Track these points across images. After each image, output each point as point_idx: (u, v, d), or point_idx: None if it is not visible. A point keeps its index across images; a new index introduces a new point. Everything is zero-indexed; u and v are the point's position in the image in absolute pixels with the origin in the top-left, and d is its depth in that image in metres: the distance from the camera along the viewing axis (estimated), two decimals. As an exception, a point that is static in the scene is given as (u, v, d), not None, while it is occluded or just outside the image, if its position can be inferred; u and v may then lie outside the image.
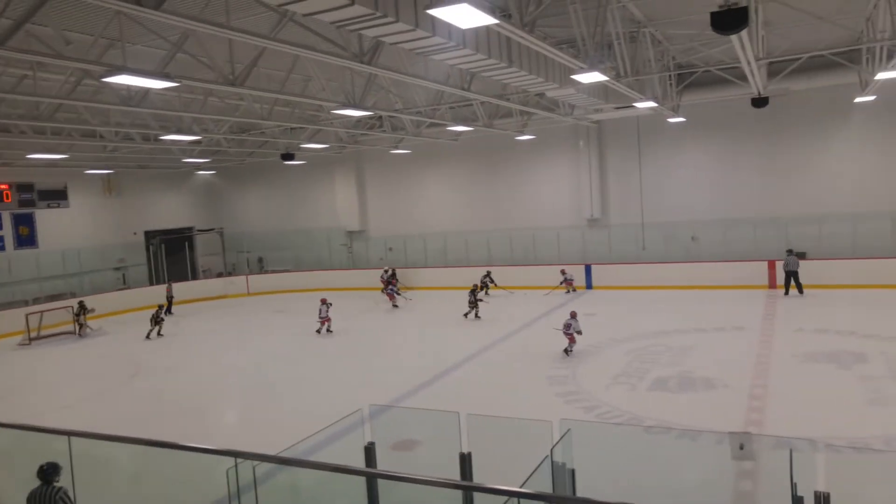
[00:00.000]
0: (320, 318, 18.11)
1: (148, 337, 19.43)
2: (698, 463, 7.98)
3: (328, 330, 18.07)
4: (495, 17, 7.19)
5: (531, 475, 3.79)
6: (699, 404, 10.60)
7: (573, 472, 4.43)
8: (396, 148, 24.80)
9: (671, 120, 20.51)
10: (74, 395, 14.00)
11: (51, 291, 24.54)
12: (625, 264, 22.84)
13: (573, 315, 14.09)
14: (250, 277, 28.72)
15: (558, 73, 13.03)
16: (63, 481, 6.22)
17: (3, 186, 23.99)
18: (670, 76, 18.18)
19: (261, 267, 30.68)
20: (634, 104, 16.33)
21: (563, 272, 22.34)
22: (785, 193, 21.37)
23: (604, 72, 11.17)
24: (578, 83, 12.86)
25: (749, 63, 12.39)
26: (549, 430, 4.86)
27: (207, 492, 6.03)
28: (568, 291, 22.16)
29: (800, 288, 18.75)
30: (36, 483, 5.95)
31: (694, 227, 22.37)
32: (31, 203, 24.90)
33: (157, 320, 19.55)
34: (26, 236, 24.86)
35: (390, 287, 22.34)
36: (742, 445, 9.16)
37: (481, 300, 19.25)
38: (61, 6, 9.93)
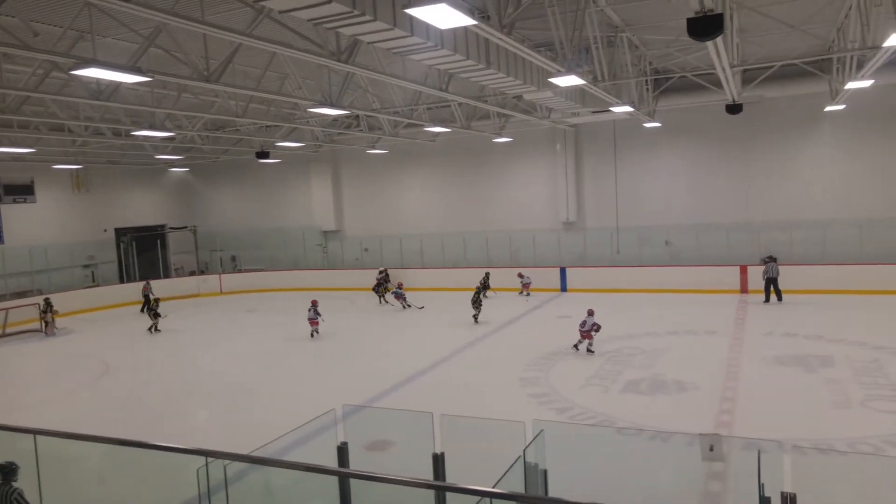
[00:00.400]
0: (309, 319, 17.57)
1: (150, 330, 19.53)
2: (669, 464, 8.09)
3: (315, 332, 17.64)
4: (474, 18, 7.18)
5: (503, 475, 3.79)
6: (670, 406, 10.73)
7: (545, 472, 4.44)
8: (373, 148, 24.72)
9: (647, 125, 20.80)
10: (41, 394, 13.70)
11: (16, 288, 23.97)
12: (599, 267, 23.08)
13: (590, 312, 14.42)
14: (223, 276, 28.35)
15: (536, 76, 13.11)
16: (28, 481, 6.08)
17: (-33, 180, 23.32)
18: (647, 81, 18.45)
19: (234, 266, 30.31)
20: (611, 108, 16.51)
21: (519, 275, 22.54)
22: (757, 199, 21.78)
23: (581, 75, 11.26)
24: (556, 86, 12.95)
25: (724, 70, 12.61)
26: (521, 430, 4.87)
27: (178, 492, 5.94)
28: (521, 293, 22.24)
29: (779, 295, 18.89)
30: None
31: (668, 232, 22.69)
32: (-6, 198, 24.24)
33: (155, 314, 19.50)
34: (-10, 232, 24.19)
35: (397, 291, 21.77)
36: (712, 447, 9.27)
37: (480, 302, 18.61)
38: (29, -4, 9.70)
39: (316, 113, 17.25)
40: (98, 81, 13.39)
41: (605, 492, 3.29)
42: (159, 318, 19.52)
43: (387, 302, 22.42)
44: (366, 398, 11.62)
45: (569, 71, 10.82)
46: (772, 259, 19.63)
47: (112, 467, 6.76)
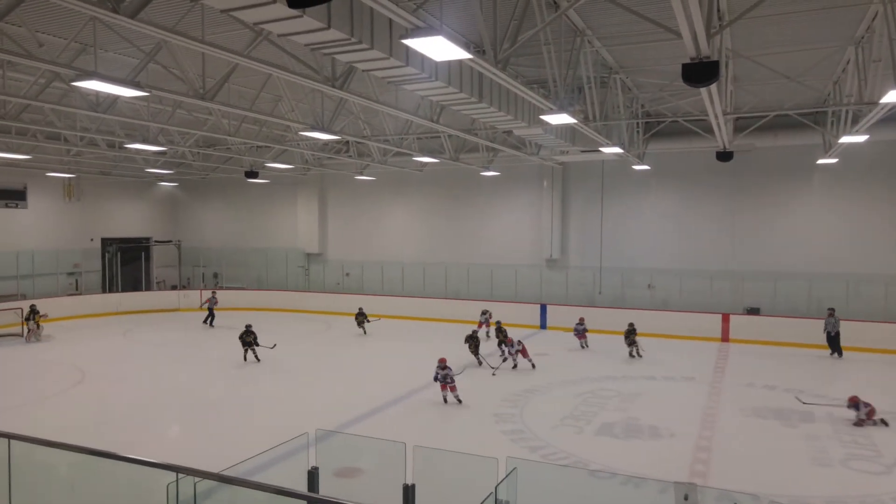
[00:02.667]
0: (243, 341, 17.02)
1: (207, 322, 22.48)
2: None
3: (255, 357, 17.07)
4: (469, 52, 7.36)
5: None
6: (644, 452, 10.71)
7: (515, 509, 4.46)
8: (361, 174, 24.89)
9: (636, 167, 21.04)
10: (17, 399, 13.45)
11: (2, 291, 23.64)
12: (580, 307, 23.10)
13: (581, 321, 18.53)
14: (204, 292, 28.08)
15: (527, 113, 13.37)
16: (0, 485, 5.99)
17: (-40, 182, 23.32)
18: (638, 123, 18.78)
19: (216, 282, 30.06)
20: (601, 149, 16.75)
21: (483, 312, 21.51)
22: (743, 248, 21.91)
23: (572, 114, 11.46)
24: (547, 124, 13.21)
25: (716, 117, 12.76)
26: (494, 466, 4.88)
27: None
28: (480, 326, 20.72)
29: (840, 351, 17.99)
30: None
31: (651, 275, 22.89)
32: (-13, 201, 24.26)
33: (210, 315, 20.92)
34: (-20, 234, 24.11)
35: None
36: (687, 496, 9.22)
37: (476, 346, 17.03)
38: (36, 7, 9.83)
39: (307, 136, 17.41)
40: (97, 94, 13.47)
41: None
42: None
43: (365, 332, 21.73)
44: (337, 423, 11.51)
45: (561, 109, 11.04)
46: (832, 313, 18.28)
47: (82, 477, 6.67)
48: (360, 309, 21.82)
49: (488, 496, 4.48)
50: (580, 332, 19.22)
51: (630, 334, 18.24)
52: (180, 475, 3.87)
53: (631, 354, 17.98)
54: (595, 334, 20.67)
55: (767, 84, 14.90)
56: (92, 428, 11.52)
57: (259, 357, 17.08)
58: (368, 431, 11.18)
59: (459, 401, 13.07)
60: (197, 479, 3.88)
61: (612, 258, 23.50)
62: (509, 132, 17.14)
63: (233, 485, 3.81)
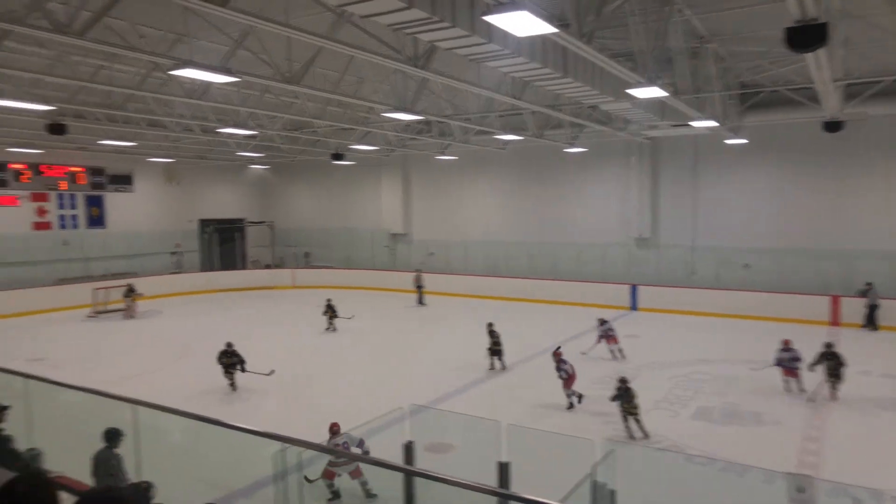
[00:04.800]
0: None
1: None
2: (743, 499, 7.66)
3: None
4: (553, 25, 7.09)
5: (571, 492, 3.70)
6: (746, 439, 10.19)
7: (613, 493, 4.30)
8: (443, 154, 24.89)
9: (731, 141, 19.88)
10: (130, 370, 14.55)
11: (115, 270, 25.71)
12: (672, 287, 22.26)
13: (602, 321, 15.32)
14: (296, 271, 29.29)
15: (614, 86, 12.83)
16: (127, 447, 6.59)
17: (80, 169, 25.45)
18: (732, 95, 17.68)
19: (306, 262, 31.20)
20: (692, 123, 15.91)
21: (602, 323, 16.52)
22: (853, 226, 20.16)
23: (662, 87, 10.89)
24: (634, 98, 12.62)
25: (824, 84, 11.78)
26: (590, 448, 4.74)
27: (252, 470, 6.20)
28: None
29: (875, 324, 18.11)
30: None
31: (748, 254, 21.59)
32: (101, 186, 26.52)
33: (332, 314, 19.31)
34: (96, 217, 26.32)
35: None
36: (802, 488, 8.62)
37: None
38: (135, 1, 10.32)
39: (390, 117, 17.54)
40: (192, 81, 14.09)
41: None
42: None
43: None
44: (427, 399, 11.66)
45: (649, 82, 10.48)
46: (870, 285, 18.52)
47: (194, 441, 7.35)
48: (329, 301, 19.73)
49: (585, 477, 4.35)
50: (607, 334, 15.36)
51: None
52: (286, 445, 4.00)
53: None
54: (688, 315, 19.87)
55: (882, 46, 13.59)
56: (197, 398, 12.24)
57: (336, 327, 18.84)
58: (457, 408, 11.26)
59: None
60: (301, 449, 4.00)
61: (705, 237, 22.37)
62: (595, 107, 16.56)
63: (335, 455, 3.88)
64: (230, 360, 13.35)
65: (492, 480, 4.24)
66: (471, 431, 7.48)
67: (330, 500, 7.01)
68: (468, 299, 24.23)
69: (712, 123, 15.81)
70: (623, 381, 10.42)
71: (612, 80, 12.67)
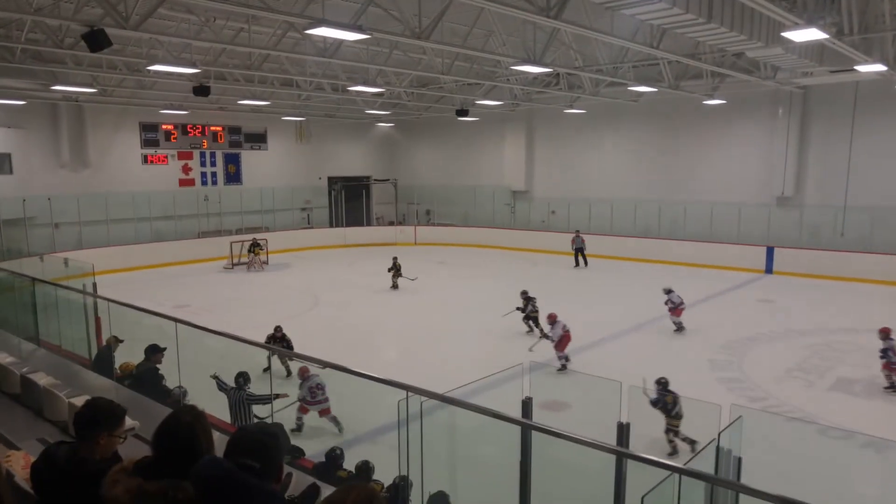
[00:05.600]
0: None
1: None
2: (885, 477, 7.08)
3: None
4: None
5: (694, 456, 3.60)
6: (891, 415, 9.34)
7: (740, 460, 4.13)
8: (571, 107, 24.10)
9: (901, 87, 17.53)
10: (265, 318, 15.77)
11: (249, 224, 27.71)
12: (816, 250, 20.44)
13: (669, 292, 13.96)
14: (418, 228, 30.07)
15: (765, 30, 11.68)
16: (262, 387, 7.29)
17: (219, 128, 27.46)
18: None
19: (428, 219, 31.91)
20: (856, 67, 14.17)
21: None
22: None
23: (823, 28, 9.77)
24: (789, 42, 11.42)
25: None
26: (716, 413, 4.56)
27: (377, 416, 6.63)
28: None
29: None
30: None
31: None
32: (238, 144, 28.38)
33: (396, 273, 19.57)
34: (233, 174, 28.34)
35: None
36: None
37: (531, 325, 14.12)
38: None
39: (517, 71, 17.21)
40: (324, 40, 14.62)
41: (804, 493, 2.97)
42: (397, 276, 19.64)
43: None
44: (547, 357, 11.69)
45: (808, 23, 9.44)
46: None
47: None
48: (395, 259, 19.89)
49: (710, 442, 4.21)
50: (675, 305, 13.97)
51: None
52: (410, 393, 4.20)
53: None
54: (832, 280, 18.22)
55: None
56: (328, 346, 13.08)
57: (398, 285, 19.17)
58: (577, 367, 11.21)
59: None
60: (423, 398, 4.18)
61: (860, 195, 20.13)
62: (740, 54, 15.24)
63: (454, 406, 4.03)
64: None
65: (611, 441, 4.21)
66: (590, 391, 7.44)
67: (293, 430, 8.51)
68: (593, 260, 23.65)
69: (881, 68, 14.01)
70: (661, 382, 8.48)
71: (763, 22, 11.54)
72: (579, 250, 23.14)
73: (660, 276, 19.86)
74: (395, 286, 19.27)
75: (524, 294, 14.41)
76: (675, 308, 13.85)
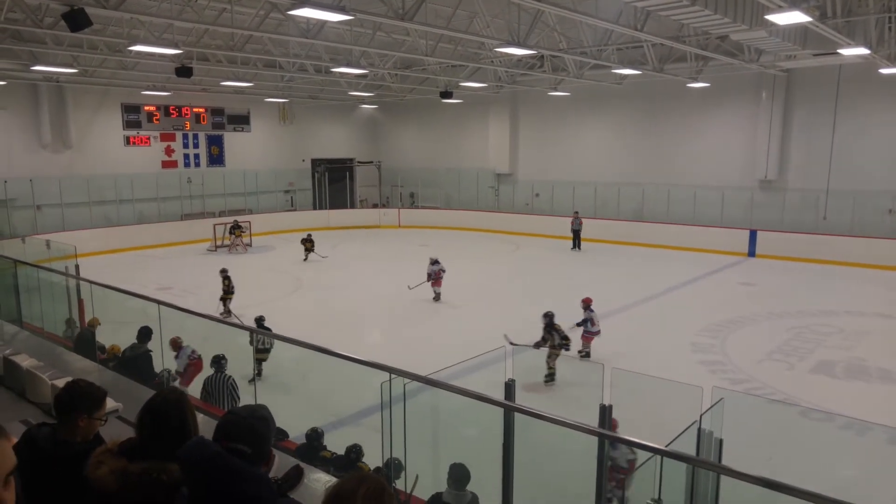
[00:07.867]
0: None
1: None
2: (864, 458, 7.22)
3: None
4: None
5: (676, 438, 3.63)
6: (871, 396, 9.52)
7: (721, 442, 4.18)
8: (555, 90, 24.02)
9: (885, 71, 17.57)
10: (251, 299, 15.67)
11: (233, 207, 27.49)
12: (798, 233, 20.68)
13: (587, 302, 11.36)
14: (402, 211, 29.98)
15: (749, 13, 11.68)
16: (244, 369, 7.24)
17: (201, 110, 27.09)
18: (892, 18, 15.53)
19: (412, 202, 31.79)
20: (839, 51, 14.21)
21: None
22: None
23: (807, 11, 9.79)
24: (773, 24, 11.44)
25: None
26: (698, 395, 4.60)
27: (360, 398, 6.56)
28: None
29: None
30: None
31: (894, 199, 19.52)
32: (221, 126, 28.03)
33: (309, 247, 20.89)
34: (216, 156, 28.01)
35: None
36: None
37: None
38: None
39: (502, 52, 17.08)
40: (308, 20, 14.38)
41: (785, 474, 3.00)
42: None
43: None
44: (527, 340, 11.73)
45: (792, 6, 9.46)
46: None
47: (308, 368, 8.06)
48: (309, 235, 21.40)
49: (692, 424, 4.25)
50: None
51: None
52: (393, 375, 4.20)
53: None
54: (814, 264, 18.46)
55: None
56: (312, 329, 13.02)
57: (309, 259, 20.33)
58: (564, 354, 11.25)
59: None
60: (407, 380, 4.18)
61: (842, 179, 20.35)
62: (724, 37, 15.23)
63: (437, 388, 4.02)
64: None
65: (593, 423, 4.24)
66: (572, 374, 7.49)
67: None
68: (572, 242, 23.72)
69: (864, 51, 14.06)
70: (548, 315, 10.25)
71: (747, 5, 11.54)
72: (576, 232, 23.14)
73: (644, 259, 20.03)
74: (306, 259, 20.44)
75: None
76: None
